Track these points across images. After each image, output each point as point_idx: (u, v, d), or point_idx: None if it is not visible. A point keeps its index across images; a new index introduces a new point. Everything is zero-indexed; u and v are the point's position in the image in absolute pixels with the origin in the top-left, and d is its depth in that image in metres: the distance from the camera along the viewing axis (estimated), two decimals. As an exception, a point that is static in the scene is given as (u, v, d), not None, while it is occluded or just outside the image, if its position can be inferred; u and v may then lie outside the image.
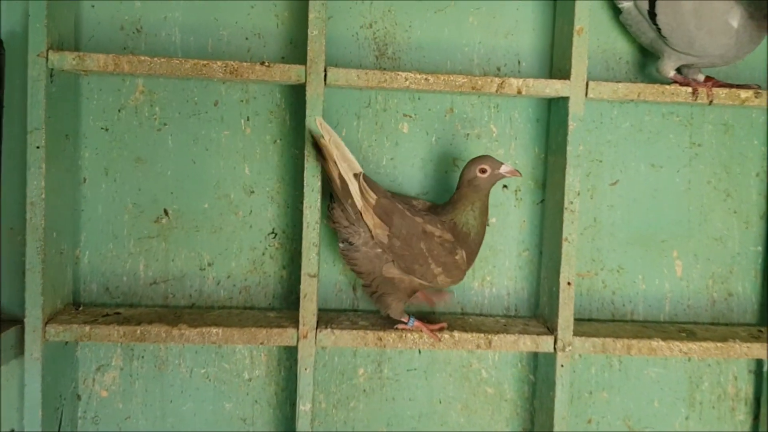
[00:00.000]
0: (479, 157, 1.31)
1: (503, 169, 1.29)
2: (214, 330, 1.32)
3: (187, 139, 1.44)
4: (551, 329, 1.39)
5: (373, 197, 1.27)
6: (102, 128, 1.43)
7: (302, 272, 1.31)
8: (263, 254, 1.47)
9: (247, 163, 1.45)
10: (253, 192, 1.45)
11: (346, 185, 1.28)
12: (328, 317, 1.42)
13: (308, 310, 1.32)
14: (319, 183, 1.30)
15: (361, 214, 1.28)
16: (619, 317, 1.53)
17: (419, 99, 1.46)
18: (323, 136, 1.26)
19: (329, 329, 1.34)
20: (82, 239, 1.44)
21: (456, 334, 1.35)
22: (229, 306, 1.47)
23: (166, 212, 1.45)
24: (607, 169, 1.50)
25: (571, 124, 1.33)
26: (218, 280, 1.47)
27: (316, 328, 1.34)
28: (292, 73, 1.29)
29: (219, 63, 1.28)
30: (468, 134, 1.47)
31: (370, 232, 1.29)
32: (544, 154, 1.48)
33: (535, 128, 1.48)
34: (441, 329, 1.35)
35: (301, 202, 1.31)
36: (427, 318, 1.43)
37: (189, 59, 1.28)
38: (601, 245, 1.51)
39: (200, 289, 1.47)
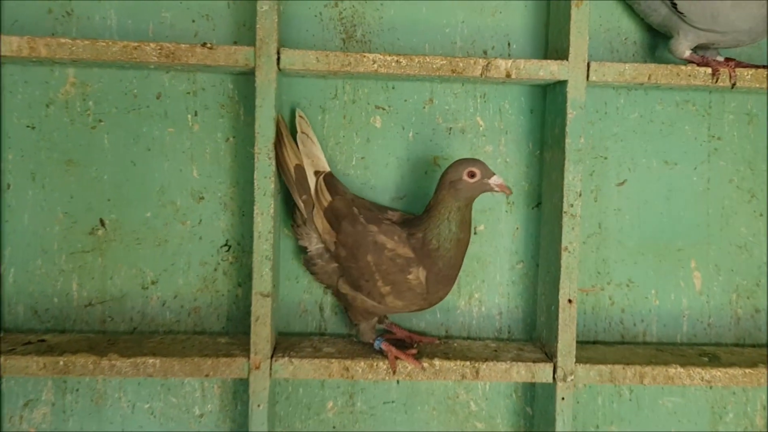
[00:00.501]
0: (470, 158, 1.12)
1: (494, 180, 1.09)
2: (150, 360, 1.12)
3: (126, 138, 1.24)
4: (550, 355, 1.18)
5: (326, 199, 1.11)
6: (27, 126, 1.23)
7: (253, 291, 1.11)
8: (215, 270, 1.27)
9: (195, 165, 1.25)
10: (202, 198, 1.26)
11: (305, 178, 1.13)
12: (288, 343, 1.21)
13: (261, 336, 1.12)
14: (273, 185, 1.10)
15: (312, 215, 1.12)
16: (629, 339, 1.32)
17: (393, 88, 1.26)
18: (281, 122, 1.14)
19: (287, 358, 1.13)
20: (6, 255, 1.24)
21: (437, 362, 1.15)
22: (176, 330, 1.27)
23: (102, 223, 1.25)
24: (613, 167, 1.29)
25: (570, 113, 1.13)
26: (163, 300, 1.27)
27: (272, 356, 1.13)
28: (240, 56, 1.09)
29: (153, 45, 1.08)
30: (451, 128, 1.27)
31: (321, 236, 1.12)
32: (540, 151, 1.28)
33: (528, 120, 1.28)
34: (413, 355, 1.15)
35: (255, 209, 1.11)
36: (409, 340, 1.23)
37: (118, 41, 1.08)
38: (608, 256, 1.30)
39: (143, 311, 1.27)
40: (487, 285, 1.30)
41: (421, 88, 1.26)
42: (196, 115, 1.25)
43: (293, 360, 1.13)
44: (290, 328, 1.28)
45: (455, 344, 1.24)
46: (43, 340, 1.19)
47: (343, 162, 1.26)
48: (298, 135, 1.17)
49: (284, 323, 1.28)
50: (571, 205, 1.13)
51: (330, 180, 1.15)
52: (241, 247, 1.26)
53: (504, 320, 1.30)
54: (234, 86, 1.24)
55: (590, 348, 1.26)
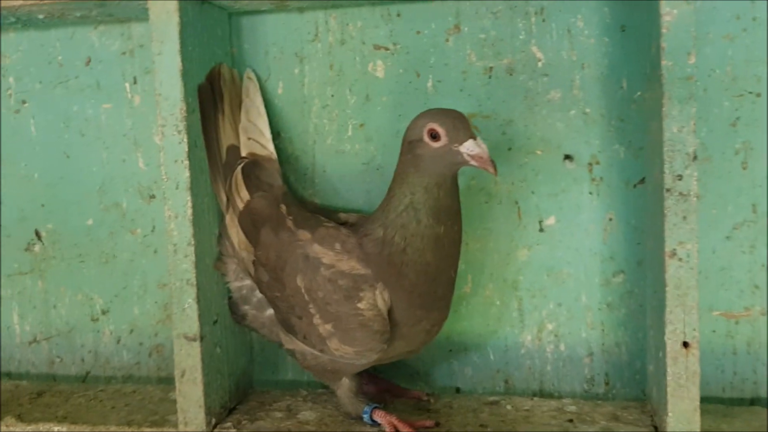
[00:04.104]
0: (434, 110, 0.68)
1: (467, 148, 0.64)
2: (55, 429, 0.80)
3: (55, 122, 0.94)
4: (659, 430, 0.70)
5: (243, 199, 0.72)
6: (-54, 116, 0.97)
7: (174, 333, 0.75)
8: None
9: (140, 152, 0.91)
10: (153, 197, 0.92)
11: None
12: (258, 401, 0.84)
13: (190, 400, 0.75)
14: (188, 173, 0.73)
15: (226, 225, 0.76)
16: (817, 396, 0.79)
17: (398, 16, 0.83)
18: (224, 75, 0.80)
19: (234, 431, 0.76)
20: (-61, 279, 0.99)
21: (464, 443, 0.71)
22: (136, 376, 0.95)
23: (38, 235, 0.96)
24: (775, 110, 0.77)
25: (668, 14, 0.63)
26: (118, 336, 0.95)
27: (214, 427, 0.76)
28: (126, -20, 0.73)
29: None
30: (491, 68, 0.82)
31: (237, 254, 0.75)
32: (641, 92, 0.78)
33: (618, 44, 0.79)
34: (423, 429, 0.73)
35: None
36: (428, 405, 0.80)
37: (-27, -18, 0.77)
38: (771, 258, 0.78)
39: (95, 349, 0.96)
40: (566, 310, 0.83)
41: (440, 9, 0.82)
42: (135, 82, 0.91)
43: (242, 434, 0.75)
44: (279, 375, 0.90)
45: (509, 407, 0.79)
46: (-39, 392, 0.92)
47: (334, 133, 0.86)
48: (243, 102, 0.81)
49: (270, 369, 0.90)
50: (679, 177, 0.64)
51: (251, 169, 0.77)
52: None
53: (597, 366, 0.83)
54: (179, 37, 0.88)
55: (744, 413, 0.75)
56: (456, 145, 0.64)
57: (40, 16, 0.82)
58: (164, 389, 0.89)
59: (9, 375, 0.98)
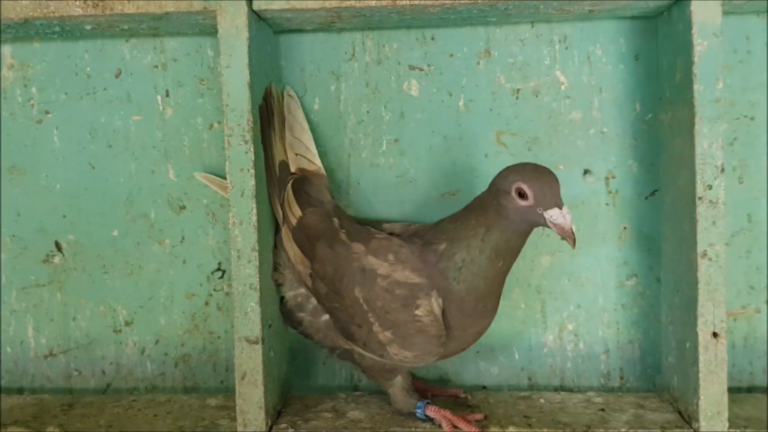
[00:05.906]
0: (528, 168, 0.71)
1: (552, 215, 0.68)
2: (101, 437, 0.80)
3: (80, 133, 0.94)
4: (687, 417, 0.78)
5: (295, 215, 0.76)
6: (-40, 126, 0.95)
7: (236, 336, 0.77)
8: (206, 304, 0.94)
9: (171, 163, 0.93)
10: (183, 208, 0.93)
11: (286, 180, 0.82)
12: (302, 404, 0.86)
13: (251, 402, 0.77)
14: (253, 182, 0.76)
15: (281, 238, 0.80)
16: (804, 383, 0.89)
17: (433, 39, 0.90)
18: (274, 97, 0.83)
19: (292, 431, 0.78)
20: (-54, 293, 0.96)
21: (513, 431, 0.77)
22: (161, 387, 0.95)
23: (58, 246, 0.95)
24: (765, 131, 0.88)
25: (699, 45, 0.73)
26: (142, 347, 0.95)
27: (270, 428, 0.79)
28: (193, -5, 0.76)
29: (73, -8, 0.76)
30: (518, 90, 0.89)
31: (293, 268, 0.80)
32: (653, 113, 0.87)
33: (633, 70, 0.88)
34: (474, 422, 0.78)
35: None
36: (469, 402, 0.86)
37: (29, -7, 0.77)
38: (764, 261, 0.88)
39: (117, 361, 0.95)
40: (584, 312, 0.91)
41: (472, 35, 0.89)
42: (167, 95, 0.92)
43: (299, 434, 0.78)
44: (310, 381, 0.93)
45: (541, 401, 0.86)
46: (-21, 407, 0.89)
47: (369, 148, 0.91)
48: (286, 118, 0.85)
49: (302, 374, 0.93)
50: (709, 187, 0.73)
51: (301, 186, 0.81)
52: (238, 271, 0.92)
53: (612, 362, 0.91)
54: (215, 53, 0.91)
55: (744, 400, 0.85)
56: (541, 209, 0.68)
57: (87, 27, 0.83)
58: (198, 397, 0.90)
59: (20, 390, 0.96)
